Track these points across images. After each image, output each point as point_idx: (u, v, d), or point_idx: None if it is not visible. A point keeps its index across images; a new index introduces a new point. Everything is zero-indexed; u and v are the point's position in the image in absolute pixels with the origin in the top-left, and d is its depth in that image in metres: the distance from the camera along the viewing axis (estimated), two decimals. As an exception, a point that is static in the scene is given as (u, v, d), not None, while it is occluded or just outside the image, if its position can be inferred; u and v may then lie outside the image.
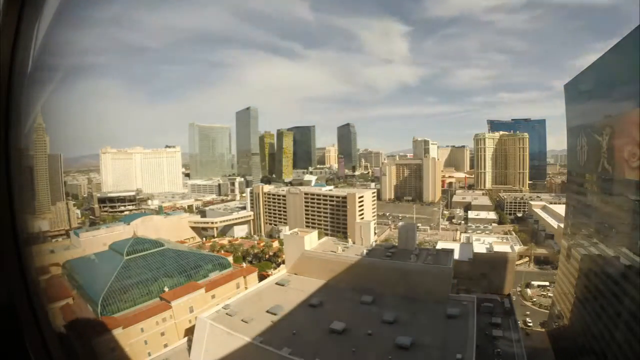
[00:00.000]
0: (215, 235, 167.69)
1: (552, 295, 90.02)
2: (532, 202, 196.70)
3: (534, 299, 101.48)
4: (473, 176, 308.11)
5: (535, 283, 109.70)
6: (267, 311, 48.06)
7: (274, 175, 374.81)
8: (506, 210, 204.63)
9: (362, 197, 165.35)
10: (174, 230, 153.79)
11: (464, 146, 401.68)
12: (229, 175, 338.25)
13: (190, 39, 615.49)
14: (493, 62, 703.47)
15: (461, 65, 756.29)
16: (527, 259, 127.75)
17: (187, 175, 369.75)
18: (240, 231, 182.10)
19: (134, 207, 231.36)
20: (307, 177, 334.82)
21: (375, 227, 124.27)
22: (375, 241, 78.77)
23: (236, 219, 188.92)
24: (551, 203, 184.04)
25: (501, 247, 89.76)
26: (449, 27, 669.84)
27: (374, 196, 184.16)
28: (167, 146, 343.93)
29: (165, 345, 60.05)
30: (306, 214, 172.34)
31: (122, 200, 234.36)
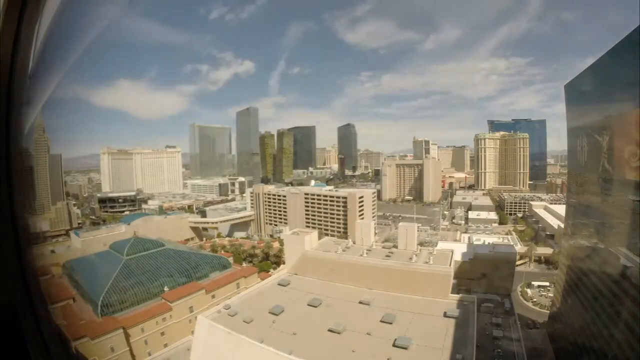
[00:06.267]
0: (216, 236, 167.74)
1: (552, 295, 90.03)
2: (532, 203, 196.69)
3: (535, 299, 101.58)
4: (473, 176, 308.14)
5: (536, 283, 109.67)
6: (268, 311, 48.06)
7: (274, 175, 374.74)
8: (507, 211, 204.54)
9: (362, 197, 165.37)
10: (174, 230, 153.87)
11: (464, 146, 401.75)
12: (230, 176, 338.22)
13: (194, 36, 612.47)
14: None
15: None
16: (527, 259, 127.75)
17: (188, 175, 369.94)
18: (241, 231, 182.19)
19: (134, 207, 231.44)
20: (305, 177, 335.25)
21: (375, 227, 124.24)
22: (376, 241, 78.76)
23: (237, 219, 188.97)
24: (551, 203, 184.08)
25: (502, 248, 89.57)
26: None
27: (374, 196, 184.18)
28: (167, 146, 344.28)
29: (165, 345, 60.15)
30: (306, 214, 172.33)
31: (122, 200, 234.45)
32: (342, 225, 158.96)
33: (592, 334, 50.27)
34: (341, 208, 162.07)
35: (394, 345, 39.03)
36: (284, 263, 78.46)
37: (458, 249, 78.09)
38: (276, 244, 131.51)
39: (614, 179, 50.27)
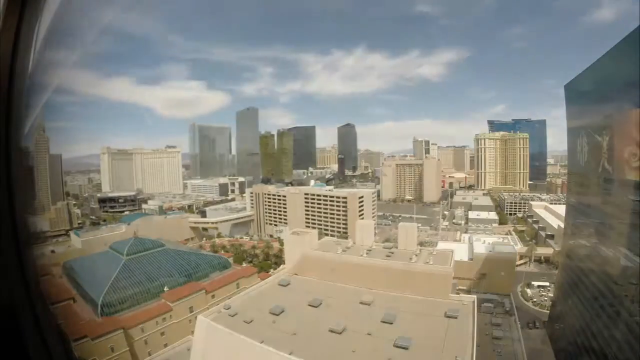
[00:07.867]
0: (216, 236, 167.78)
1: (552, 295, 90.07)
2: (532, 203, 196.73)
3: (535, 299, 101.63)
4: (473, 176, 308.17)
5: (536, 283, 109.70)
6: (268, 311, 48.02)
7: (274, 176, 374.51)
8: (507, 211, 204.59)
9: (362, 197, 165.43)
10: (174, 230, 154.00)
11: (464, 146, 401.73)
12: (230, 176, 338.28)
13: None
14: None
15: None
16: (527, 259, 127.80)
17: (188, 175, 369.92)
18: (241, 231, 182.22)
19: (134, 207, 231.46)
20: (305, 177, 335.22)
21: (375, 227, 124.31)
22: (376, 241, 78.76)
23: (237, 219, 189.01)
24: (551, 203, 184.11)
25: (502, 248, 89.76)
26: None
27: (374, 196, 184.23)
28: (167, 146, 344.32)
29: (165, 345, 60.17)
30: (306, 214, 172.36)
31: (122, 200, 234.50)
32: (342, 225, 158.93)
33: (592, 334, 50.28)
34: (341, 208, 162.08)
35: (394, 346, 39.01)
36: (284, 263, 78.48)
37: (458, 249, 78.18)
38: (276, 244, 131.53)
39: (614, 179, 50.28)
